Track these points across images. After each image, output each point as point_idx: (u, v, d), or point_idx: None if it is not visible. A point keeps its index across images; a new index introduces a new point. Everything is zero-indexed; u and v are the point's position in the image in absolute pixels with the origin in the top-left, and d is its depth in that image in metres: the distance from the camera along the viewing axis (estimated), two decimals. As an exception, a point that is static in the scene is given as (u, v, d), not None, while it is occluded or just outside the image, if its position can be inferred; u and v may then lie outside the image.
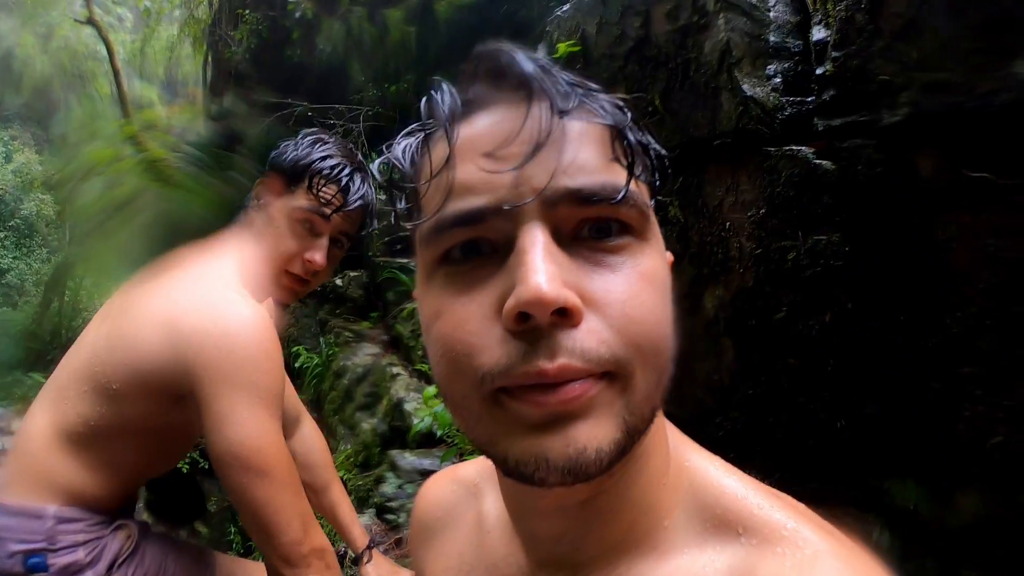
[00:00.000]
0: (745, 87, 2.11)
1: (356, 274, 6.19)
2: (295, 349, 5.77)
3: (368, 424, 4.73)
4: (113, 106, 13.20)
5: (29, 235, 20.29)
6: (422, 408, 4.17)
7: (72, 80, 18.82)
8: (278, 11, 8.31)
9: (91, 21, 13.09)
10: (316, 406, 5.34)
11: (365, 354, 5.34)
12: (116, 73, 12.37)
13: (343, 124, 6.67)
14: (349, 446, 4.74)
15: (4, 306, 18.50)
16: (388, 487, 3.92)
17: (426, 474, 3.00)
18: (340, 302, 6.17)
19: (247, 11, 8.63)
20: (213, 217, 5.33)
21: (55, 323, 15.03)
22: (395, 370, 4.90)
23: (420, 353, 4.86)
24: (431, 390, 3.87)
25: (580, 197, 0.60)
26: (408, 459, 4.04)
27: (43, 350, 14.03)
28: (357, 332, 5.73)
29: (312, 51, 7.88)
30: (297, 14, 7.90)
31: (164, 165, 8.17)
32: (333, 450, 4.17)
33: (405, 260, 5.66)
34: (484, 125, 0.63)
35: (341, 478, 2.66)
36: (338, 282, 6.17)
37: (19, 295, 19.25)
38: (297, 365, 5.65)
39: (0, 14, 20.53)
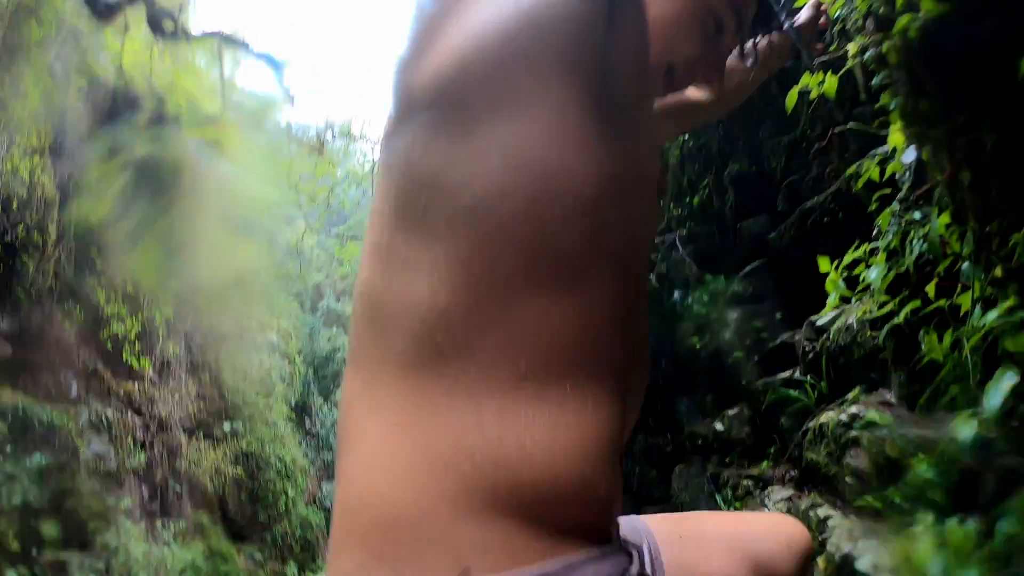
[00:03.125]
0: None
1: (735, 411, 5.46)
2: (690, 514, 5.30)
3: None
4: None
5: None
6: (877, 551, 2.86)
7: None
8: None
9: None
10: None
11: (776, 500, 4.29)
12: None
13: None
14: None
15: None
16: None
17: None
18: (726, 449, 5.35)
19: None
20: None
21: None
22: (823, 513, 3.64)
23: (845, 481, 3.54)
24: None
25: None
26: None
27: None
28: (757, 477, 4.81)
29: None
30: None
31: None
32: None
33: (787, 374, 4.99)
34: None
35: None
36: (718, 426, 5.50)
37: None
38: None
39: None
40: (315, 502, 20.80)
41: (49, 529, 8.63)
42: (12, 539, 8.13)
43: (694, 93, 1.62)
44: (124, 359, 10.94)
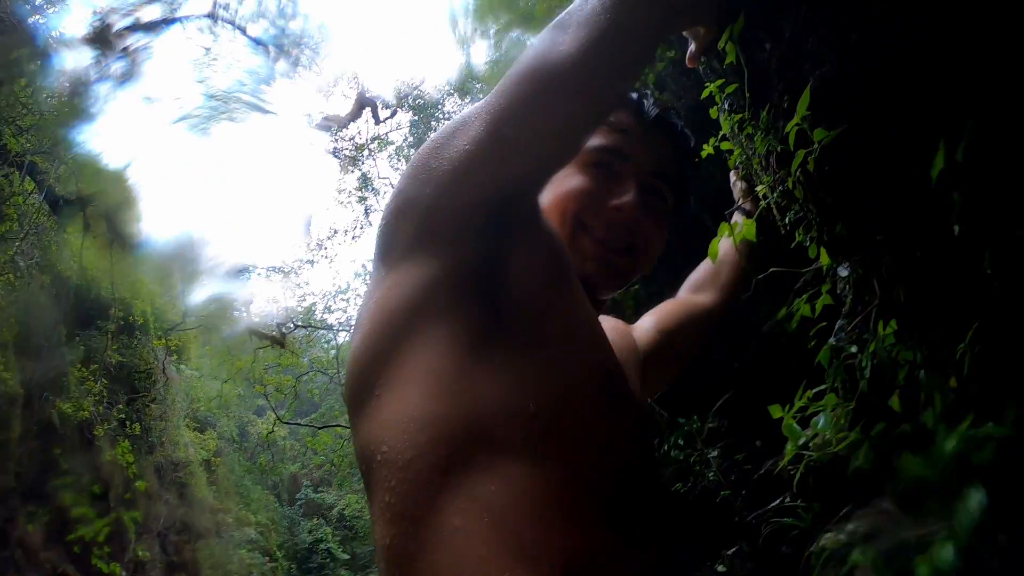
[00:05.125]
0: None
1: (734, 550, 5.21)
2: None
3: None
4: None
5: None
6: None
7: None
8: None
9: None
10: None
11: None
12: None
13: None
14: None
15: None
16: None
17: None
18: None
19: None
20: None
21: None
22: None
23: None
24: None
25: None
26: None
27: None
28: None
29: None
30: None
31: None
32: None
33: (779, 502, 4.60)
34: None
35: None
36: (720, 568, 5.04)
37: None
38: None
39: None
40: None
41: None
42: None
43: (698, 299, 1.88)
44: (93, 563, 10.47)
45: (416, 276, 0.99)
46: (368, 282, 1.10)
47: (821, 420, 2.02)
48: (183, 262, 14.09)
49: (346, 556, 25.22)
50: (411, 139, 15.21)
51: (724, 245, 1.84)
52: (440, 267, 0.99)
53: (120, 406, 11.92)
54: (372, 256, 1.10)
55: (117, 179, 12.28)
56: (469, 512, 0.85)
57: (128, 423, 11.95)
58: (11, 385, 9.64)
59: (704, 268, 1.98)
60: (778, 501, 4.80)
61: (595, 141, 1.34)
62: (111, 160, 12.84)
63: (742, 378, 5.62)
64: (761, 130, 1.32)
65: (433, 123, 14.63)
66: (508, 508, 0.86)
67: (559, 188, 1.31)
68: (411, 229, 1.03)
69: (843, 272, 1.72)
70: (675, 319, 1.81)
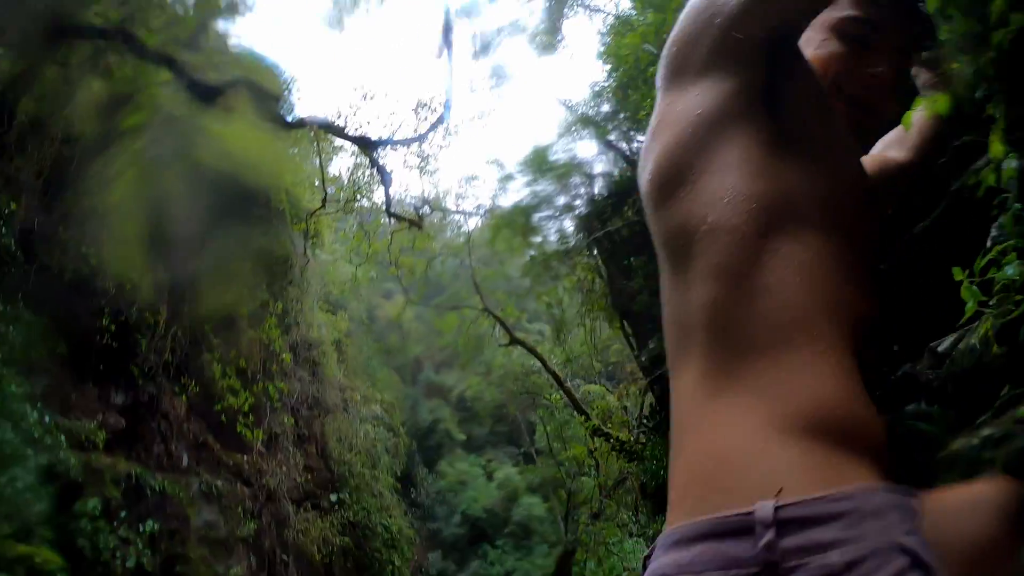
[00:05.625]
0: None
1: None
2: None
3: None
4: (568, 409, 14.79)
5: (526, 536, 24.68)
6: None
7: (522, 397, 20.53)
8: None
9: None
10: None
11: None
12: (558, 380, 14.19)
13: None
14: None
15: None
16: None
17: None
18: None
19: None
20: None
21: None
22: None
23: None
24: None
25: None
26: None
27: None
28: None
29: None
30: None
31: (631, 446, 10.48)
32: None
33: (913, 406, 4.68)
34: None
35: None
36: None
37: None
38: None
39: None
40: (421, 572, 20.80)
41: (162, 594, 8.87)
42: (125, 602, 8.35)
43: (890, 153, 1.88)
44: (238, 430, 11.16)
45: (715, 90, 1.16)
46: (657, 104, 1.29)
47: (1010, 269, 2.02)
48: (323, 148, 14.32)
49: (463, 436, 26.10)
50: (544, 25, 14.94)
51: (914, 116, 1.92)
52: (733, 84, 1.16)
53: (263, 287, 12.49)
54: (659, 77, 1.30)
55: (261, 67, 12.51)
56: (785, 269, 1.04)
57: (271, 304, 12.54)
58: (159, 273, 10.19)
59: (893, 132, 2.01)
60: (914, 405, 4.73)
61: (853, 11, 1.45)
62: (255, 48, 13.06)
63: (885, 279, 5.53)
64: (962, 11, 1.41)
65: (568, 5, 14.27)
66: (815, 268, 1.05)
67: (820, 51, 1.44)
68: (703, 54, 1.20)
69: (1013, 161, 1.74)
70: (871, 168, 1.88)
